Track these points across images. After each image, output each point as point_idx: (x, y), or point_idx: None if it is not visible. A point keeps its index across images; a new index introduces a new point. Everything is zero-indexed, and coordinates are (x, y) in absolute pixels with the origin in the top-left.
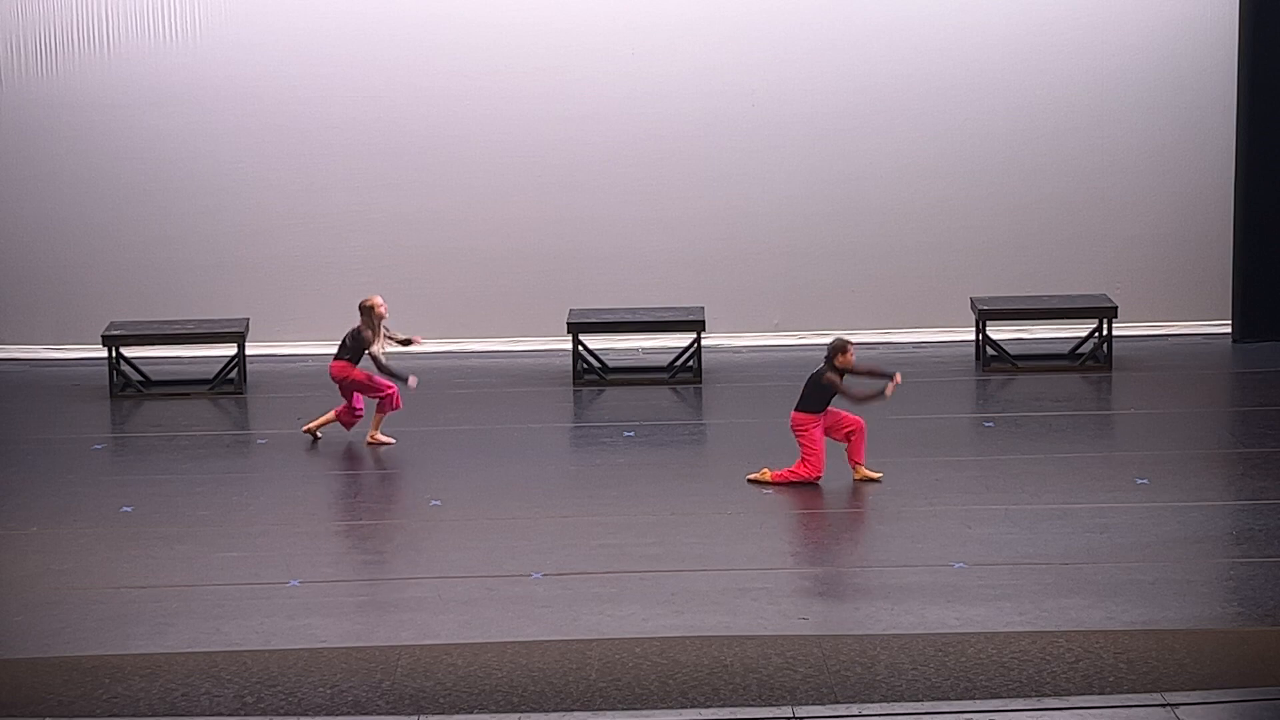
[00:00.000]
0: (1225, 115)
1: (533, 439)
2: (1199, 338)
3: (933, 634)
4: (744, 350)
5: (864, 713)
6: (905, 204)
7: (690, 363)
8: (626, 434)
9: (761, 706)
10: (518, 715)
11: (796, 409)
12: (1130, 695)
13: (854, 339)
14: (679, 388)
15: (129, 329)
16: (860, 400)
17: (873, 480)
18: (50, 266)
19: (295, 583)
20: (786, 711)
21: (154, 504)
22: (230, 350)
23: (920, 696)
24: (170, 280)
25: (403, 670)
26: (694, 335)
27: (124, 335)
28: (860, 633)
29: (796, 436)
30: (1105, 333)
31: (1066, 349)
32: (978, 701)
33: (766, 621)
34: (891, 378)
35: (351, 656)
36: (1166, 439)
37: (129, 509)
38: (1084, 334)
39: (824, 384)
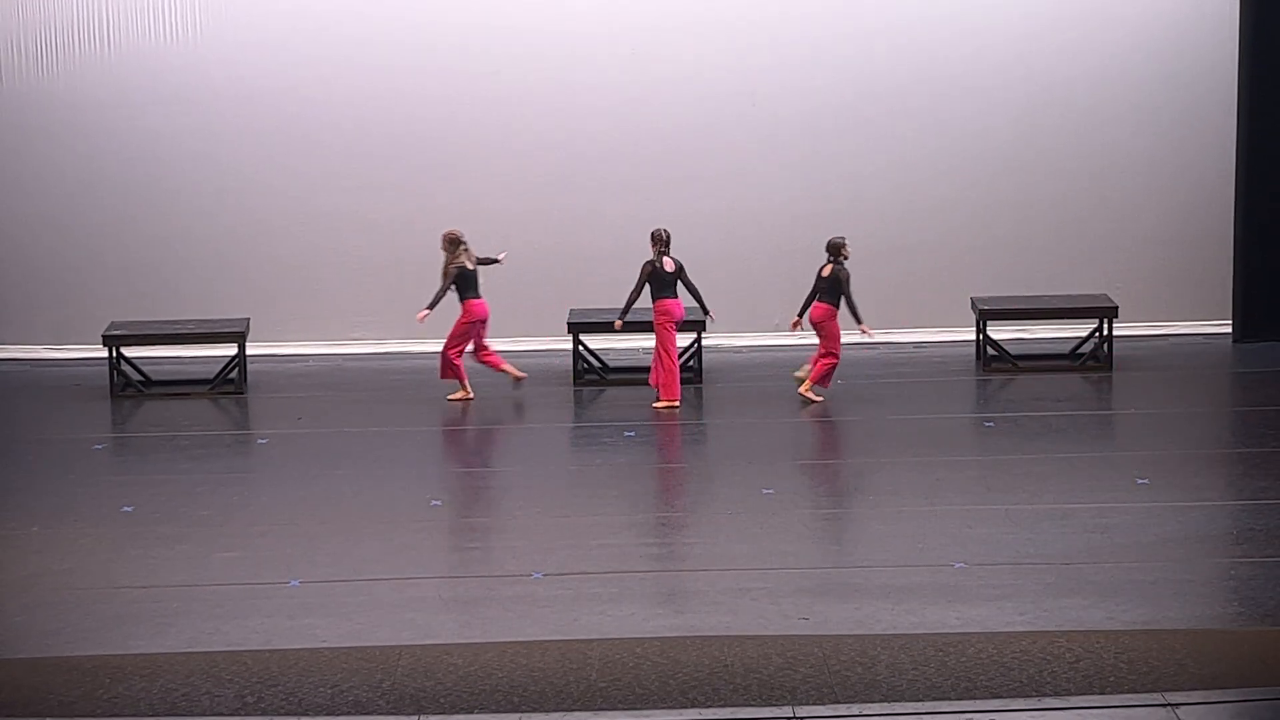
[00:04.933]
0: (1226, 115)
1: (533, 439)
2: (1199, 338)
3: (933, 634)
4: (744, 350)
5: (865, 713)
6: (906, 204)
7: (691, 362)
8: (627, 434)
9: (762, 706)
10: (518, 715)
11: (673, 299)
12: (1131, 695)
13: (854, 338)
14: (681, 388)
15: (129, 329)
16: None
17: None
18: (51, 266)
19: (295, 583)
20: (787, 711)
21: (154, 504)
22: (231, 350)
23: (921, 696)
24: (171, 280)
25: (403, 670)
26: (694, 335)
27: (124, 335)
28: (861, 633)
29: (675, 327)
30: (1106, 333)
31: (1067, 349)
32: (978, 701)
33: (767, 621)
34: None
35: (352, 656)
36: (1167, 439)
37: (129, 509)
38: (1084, 334)
39: (680, 270)
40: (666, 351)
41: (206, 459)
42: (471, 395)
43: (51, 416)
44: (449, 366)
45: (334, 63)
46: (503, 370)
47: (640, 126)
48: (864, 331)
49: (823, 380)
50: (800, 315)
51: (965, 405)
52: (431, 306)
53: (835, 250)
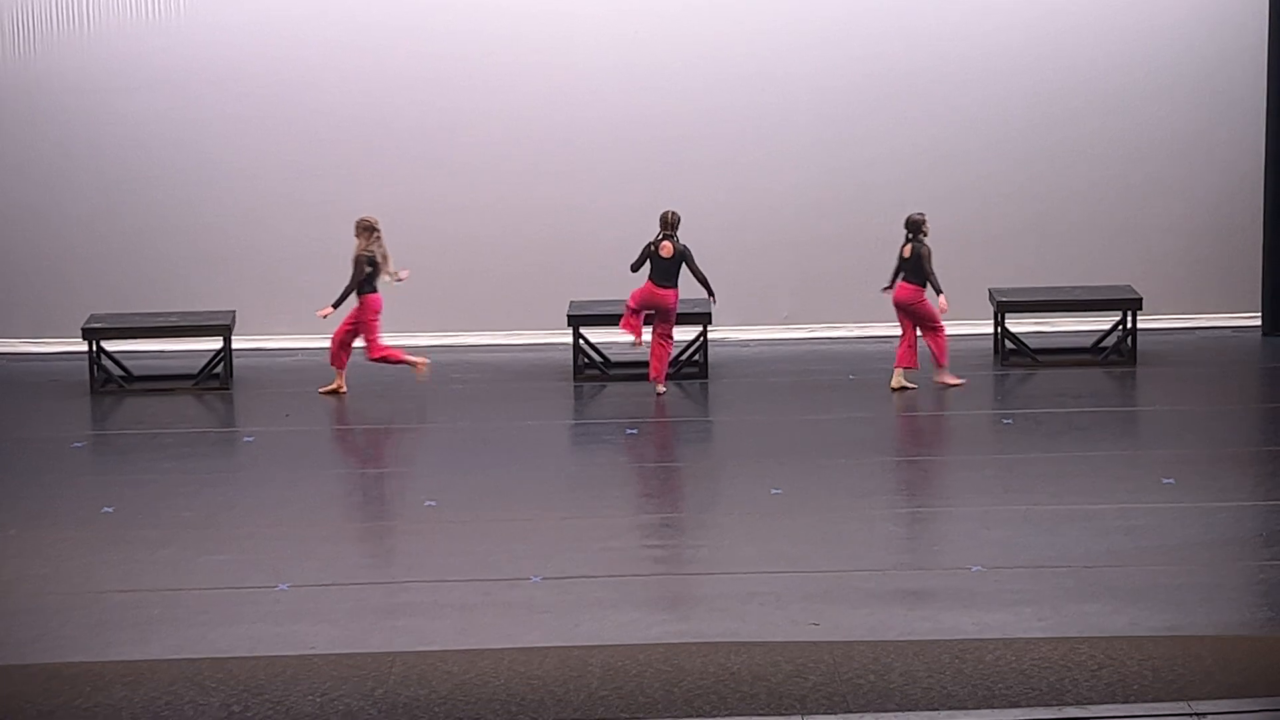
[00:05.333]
0: (1254, 100)
1: (531, 436)
2: (1227, 331)
3: (949, 640)
4: (752, 344)
5: None
6: (920, 192)
7: (696, 357)
8: (629, 431)
9: (770, 716)
10: None
11: (660, 286)
12: (1155, 704)
13: (867, 332)
14: (684, 383)
15: (110, 322)
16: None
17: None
18: (28, 257)
19: (284, 587)
20: None
21: (136, 505)
22: (216, 344)
23: (936, 706)
24: (153, 271)
25: (396, 678)
26: (700, 329)
27: (105, 328)
28: (873, 639)
29: (666, 312)
30: (1129, 326)
31: (1089, 343)
32: (996, 711)
33: (775, 627)
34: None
35: (343, 664)
36: (1193, 437)
37: (110, 510)
38: (1107, 327)
39: (680, 256)
40: (627, 320)
41: (190, 458)
42: (343, 389)
43: (28, 413)
44: (389, 359)
45: (321, 46)
46: (337, 369)
47: (644, 112)
48: (942, 306)
49: (944, 355)
50: (890, 286)
51: (982, 401)
52: (338, 303)
53: (915, 227)
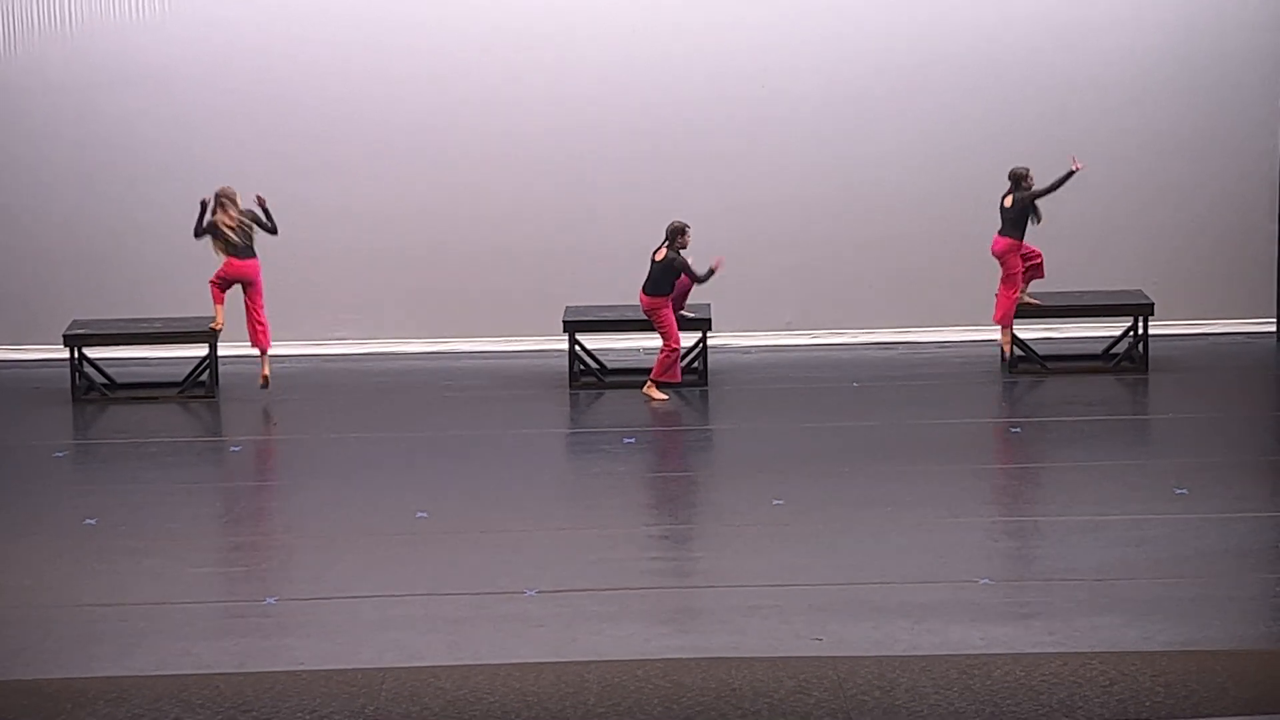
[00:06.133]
0: (1269, 101)
1: (526, 445)
2: (1241, 337)
3: (956, 655)
4: (753, 351)
5: None
6: (926, 193)
7: (696, 364)
8: (627, 440)
9: None
10: None
11: (644, 292)
12: None
13: (871, 338)
14: (684, 390)
15: (93, 328)
16: (701, 280)
17: (658, 399)
18: (7, 260)
19: (272, 600)
20: None
21: (119, 516)
22: (201, 351)
23: None
24: (137, 275)
25: (387, 695)
26: (700, 335)
27: (87, 335)
28: (878, 654)
29: (651, 319)
30: (1141, 331)
31: (1099, 349)
32: None
33: (778, 642)
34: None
35: (332, 680)
36: (1207, 445)
37: (93, 521)
38: (1118, 333)
39: (667, 264)
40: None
41: (175, 467)
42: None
43: (8, 422)
44: (258, 336)
45: (312, 43)
46: (259, 351)
47: (642, 110)
48: (1076, 166)
49: (1006, 318)
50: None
51: (990, 409)
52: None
53: (1018, 180)
